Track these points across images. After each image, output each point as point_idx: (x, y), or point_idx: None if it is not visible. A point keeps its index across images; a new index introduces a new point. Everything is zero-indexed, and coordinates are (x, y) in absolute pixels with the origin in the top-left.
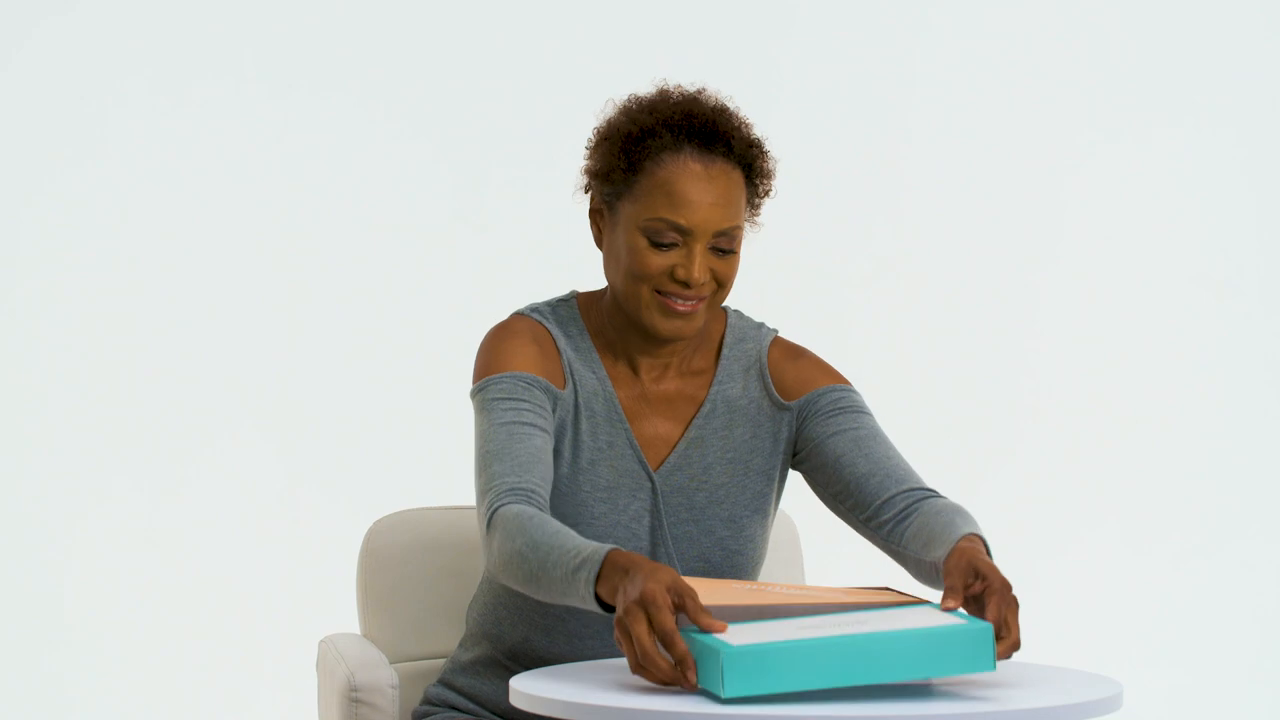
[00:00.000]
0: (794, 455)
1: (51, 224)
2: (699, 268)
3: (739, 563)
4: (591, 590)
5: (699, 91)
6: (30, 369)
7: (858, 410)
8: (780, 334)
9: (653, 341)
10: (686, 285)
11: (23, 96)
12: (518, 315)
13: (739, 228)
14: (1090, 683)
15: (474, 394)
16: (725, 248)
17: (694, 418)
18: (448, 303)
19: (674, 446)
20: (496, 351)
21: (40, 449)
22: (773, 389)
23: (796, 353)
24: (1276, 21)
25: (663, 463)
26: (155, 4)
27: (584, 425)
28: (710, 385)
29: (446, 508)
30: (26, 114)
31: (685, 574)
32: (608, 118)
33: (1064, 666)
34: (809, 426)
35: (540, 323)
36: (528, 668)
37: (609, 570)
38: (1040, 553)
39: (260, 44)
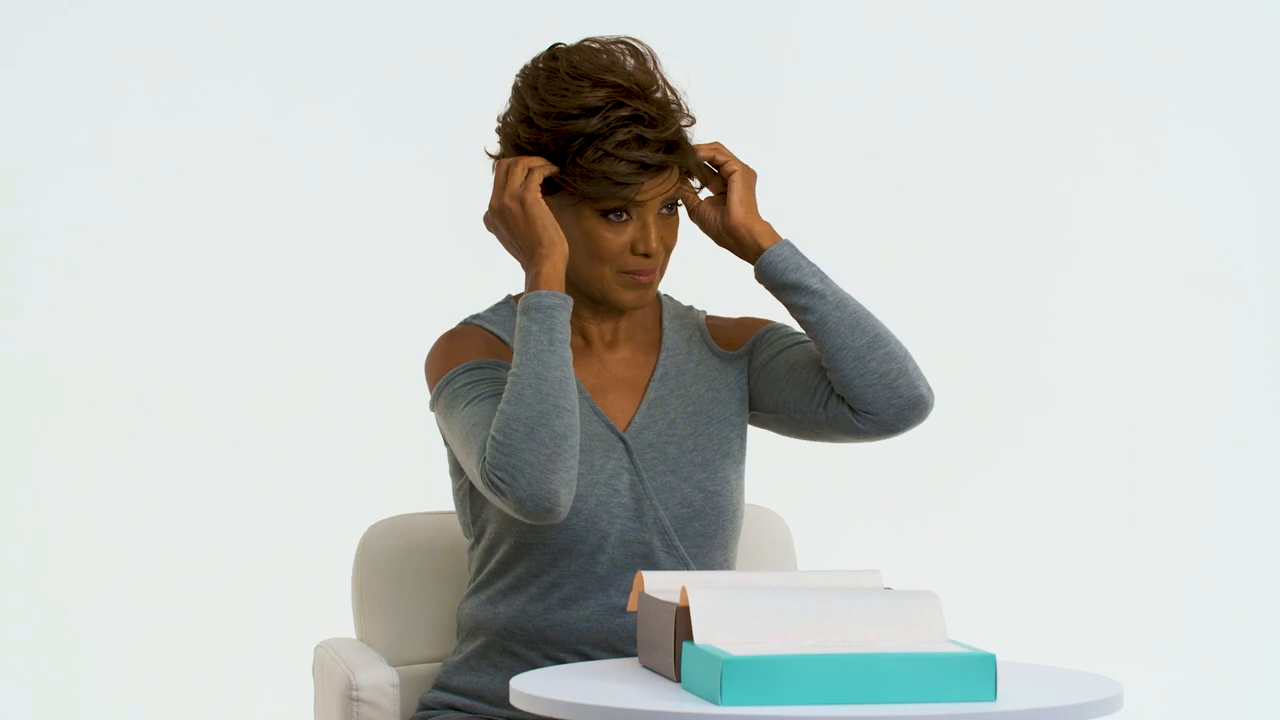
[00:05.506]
0: (750, 396)
1: (52, 224)
2: (655, 238)
3: (719, 504)
4: (527, 292)
5: (626, 53)
6: (31, 373)
7: (801, 335)
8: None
9: (604, 311)
10: (647, 256)
11: (23, 97)
12: (461, 324)
13: (678, 187)
14: (1090, 683)
15: (434, 400)
16: (671, 202)
17: (650, 382)
18: (446, 305)
19: (637, 408)
20: (446, 355)
21: (40, 452)
22: (716, 346)
23: (728, 318)
24: (1276, 21)
25: (630, 423)
26: (156, 4)
27: None
28: (659, 353)
29: (442, 512)
30: (27, 114)
31: (671, 522)
32: (542, 95)
33: (1064, 666)
34: (760, 357)
35: (483, 327)
36: (525, 645)
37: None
38: (1041, 552)
39: (261, 46)
